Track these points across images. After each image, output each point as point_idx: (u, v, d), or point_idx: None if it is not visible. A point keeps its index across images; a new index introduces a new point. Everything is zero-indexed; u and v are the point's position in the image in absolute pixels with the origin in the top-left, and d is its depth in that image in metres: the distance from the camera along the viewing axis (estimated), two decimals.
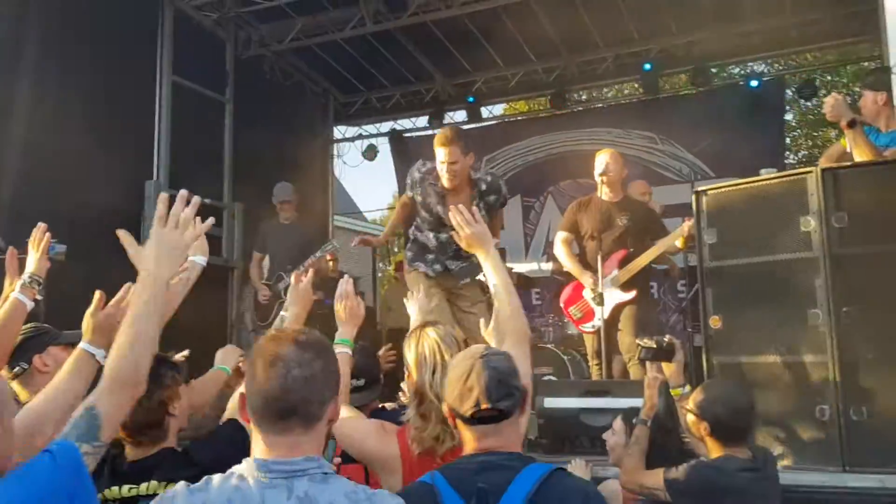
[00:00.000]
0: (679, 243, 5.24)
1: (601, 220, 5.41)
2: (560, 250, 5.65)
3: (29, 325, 2.90)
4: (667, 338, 3.71)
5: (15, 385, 2.68)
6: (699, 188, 4.28)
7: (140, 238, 7.46)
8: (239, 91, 8.85)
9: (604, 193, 5.49)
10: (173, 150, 7.65)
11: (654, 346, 3.64)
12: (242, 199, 8.52)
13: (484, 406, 1.86)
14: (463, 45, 9.66)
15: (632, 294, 5.31)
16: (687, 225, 4.98)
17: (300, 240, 7.22)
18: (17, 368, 2.75)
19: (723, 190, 4.17)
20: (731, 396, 3.04)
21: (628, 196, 5.64)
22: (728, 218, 4.08)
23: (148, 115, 7.61)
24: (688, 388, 3.48)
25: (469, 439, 1.94)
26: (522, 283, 9.39)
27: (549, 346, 7.45)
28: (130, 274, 7.10)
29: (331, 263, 8.04)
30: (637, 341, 3.79)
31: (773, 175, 4.08)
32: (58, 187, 6.25)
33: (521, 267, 10.36)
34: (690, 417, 3.05)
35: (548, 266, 10.09)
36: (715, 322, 3.94)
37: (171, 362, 2.55)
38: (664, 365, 3.69)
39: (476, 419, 1.89)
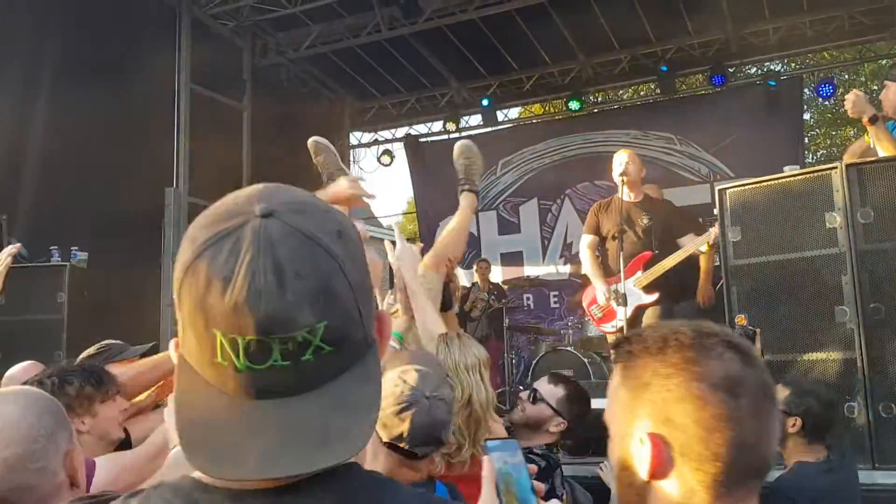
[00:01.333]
0: (704, 248, 5.21)
1: (622, 220, 5.38)
2: (584, 254, 5.65)
3: (100, 344, 2.81)
4: (751, 326, 3.64)
5: None
6: (722, 186, 4.25)
7: (161, 245, 7.47)
8: (256, 98, 8.92)
9: (624, 194, 5.45)
10: (193, 158, 7.72)
11: (741, 332, 3.54)
12: None
13: (402, 445, 1.90)
14: (478, 49, 9.68)
15: (654, 296, 5.28)
16: (714, 231, 4.96)
17: None
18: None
19: (746, 187, 4.13)
20: (822, 390, 3.01)
21: (649, 196, 5.59)
22: (752, 215, 4.04)
23: (167, 123, 7.68)
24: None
25: (390, 462, 1.95)
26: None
27: (568, 348, 7.41)
28: (150, 280, 7.18)
29: None
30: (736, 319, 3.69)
31: (796, 172, 4.04)
32: (79, 195, 6.31)
33: (538, 270, 10.35)
34: None
35: (565, 269, 10.07)
36: (741, 320, 3.90)
37: (93, 371, 2.31)
38: None
39: (393, 448, 1.92)
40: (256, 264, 0.71)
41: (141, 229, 7.10)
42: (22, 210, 6.21)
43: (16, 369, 3.18)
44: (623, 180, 5.40)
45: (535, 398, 2.98)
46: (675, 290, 5.41)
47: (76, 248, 5.97)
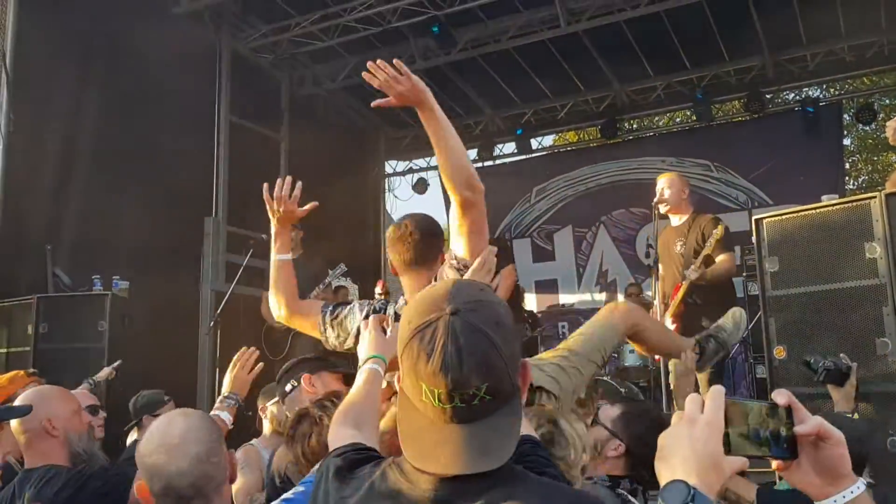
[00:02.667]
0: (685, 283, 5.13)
1: (662, 248, 5.35)
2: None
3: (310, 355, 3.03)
4: (844, 359, 3.47)
5: (274, 407, 2.81)
6: (759, 216, 4.20)
7: (200, 273, 7.53)
8: (294, 129, 9.07)
9: (669, 219, 5.40)
10: (231, 187, 7.85)
11: (833, 367, 3.39)
12: None
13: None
14: (511, 78, 9.75)
15: (673, 326, 5.21)
16: (692, 269, 4.95)
17: (303, 273, 7.05)
18: (287, 386, 2.92)
19: (783, 217, 4.07)
20: (850, 425, 2.83)
21: (689, 219, 5.41)
22: (790, 246, 3.98)
23: (207, 153, 7.83)
24: (856, 415, 3.29)
25: None
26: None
27: (605, 377, 7.35)
28: (190, 307, 7.26)
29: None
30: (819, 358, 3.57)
31: (835, 201, 3.98)
32: (120, 224, 6.45)
33: (573, 298, 10.29)
34: None
35: (601, 297, 9.99)
36: (779, 352, 3.84)
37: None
38: (832, 389, 3.42)
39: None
40: (446, 347, 1.16)
41: (181, 258, 7.23)
42: (66, 240, 6.37)
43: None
44: (658, 208, 5.35)
45: (593, 421, 2.80)
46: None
47: (118, 276, 6.10)
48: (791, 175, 8.84)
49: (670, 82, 9.76)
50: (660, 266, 5.41)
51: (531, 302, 9.89)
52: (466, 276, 2.44)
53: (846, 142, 14.89)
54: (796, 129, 9.21)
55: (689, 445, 0.97)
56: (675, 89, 9.86)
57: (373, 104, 2.59)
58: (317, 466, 1.54)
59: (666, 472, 0.97)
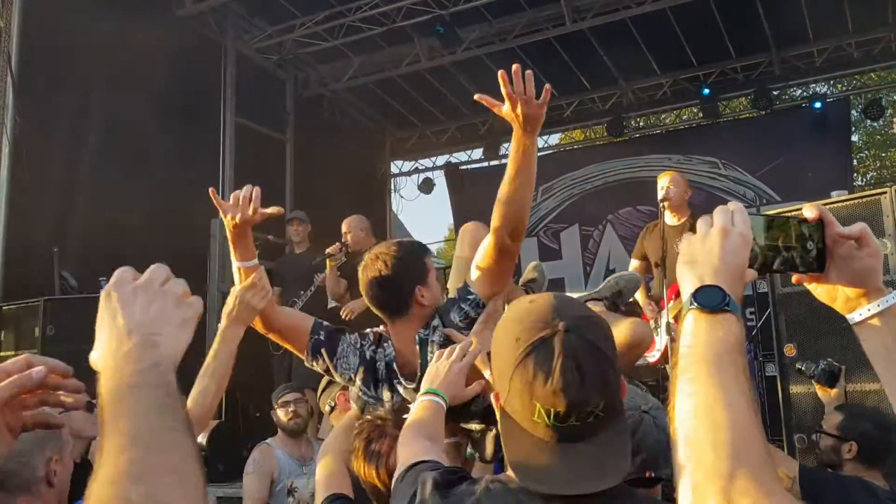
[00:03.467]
0: None
1: (662, 246, 5.32)
2: None
3: None
4: (833, 364, 3.45)
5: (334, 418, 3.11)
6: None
7: (206, 274, 7.50)
8: (299, 130, 9.07)
9: (667, 217, 5.39)
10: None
11: (828, 368, 3.40)
12: None
13: (648, 474, 1.69)
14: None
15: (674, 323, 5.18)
16: None
17: (309, 265, 6.98)
18: (326, 407, 3.18)
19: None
20: (876, 414, 2.90)
21: (689, 220, 5.46)
22: None
23: (213, 155, 7.83)
24: None
25: None
26: None
27: None
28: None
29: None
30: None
31: (844, 197, 3.96)
32: (126, 226, 6.44)
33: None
34: (829, 441, 2.88)
35: None
36: (789, 350, 3.81)
37: None
38: (822, 389, 3.44)
39: (637, 483, 1.68)
40: (565, 366, 1.14)
41: (187, 259, 7.20)
42: (72, 242, 6.36)
43: None
44: (664, 206, 5.34)
45: None
46: None
47: None
48: (799, 172, 8.80)
49: (677, 79, 9.72)
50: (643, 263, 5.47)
51: None
52: (475, 329, 2.37)
53: (854, 138, 14.81)
54: (804, 126, 9.17)
55: (719, 255, 0.99)
56: (682, 86, 9.82)
57: (477, 97, 2.28)
58: (396, 474, 1.50)
59: (693, 277, 1.00)
